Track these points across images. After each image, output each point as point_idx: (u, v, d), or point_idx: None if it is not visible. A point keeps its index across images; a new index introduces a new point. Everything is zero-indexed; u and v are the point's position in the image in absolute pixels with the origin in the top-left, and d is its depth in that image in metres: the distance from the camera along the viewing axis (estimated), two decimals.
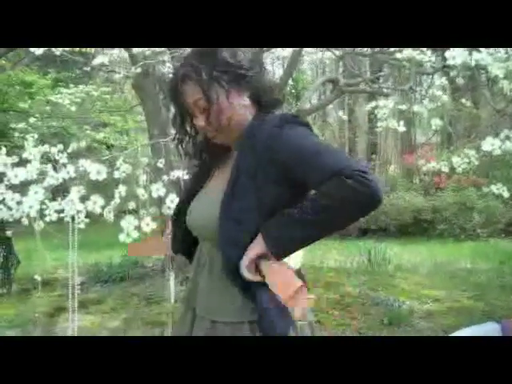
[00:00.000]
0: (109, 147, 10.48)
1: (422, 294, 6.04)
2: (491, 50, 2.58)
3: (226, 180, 1.47)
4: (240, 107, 1.50)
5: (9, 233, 5.80)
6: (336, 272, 6.74)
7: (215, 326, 1.45)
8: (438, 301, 5.80)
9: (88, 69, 8.42)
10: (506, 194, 3.32)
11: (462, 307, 5.48)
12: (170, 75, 6.90)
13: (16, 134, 8.01)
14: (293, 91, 14.27)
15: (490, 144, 2.87)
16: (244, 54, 1.50)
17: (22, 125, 7.82)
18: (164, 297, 5.97)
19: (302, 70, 15.21)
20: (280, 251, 1.36)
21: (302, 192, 1.43)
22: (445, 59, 3.42)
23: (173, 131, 1.66)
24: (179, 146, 1.65)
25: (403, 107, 4.35)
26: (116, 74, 8.04)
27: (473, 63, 2.55)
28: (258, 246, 1.37)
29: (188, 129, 1.60)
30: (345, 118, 8.72)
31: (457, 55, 2.54)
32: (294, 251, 1.39)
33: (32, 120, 7.64)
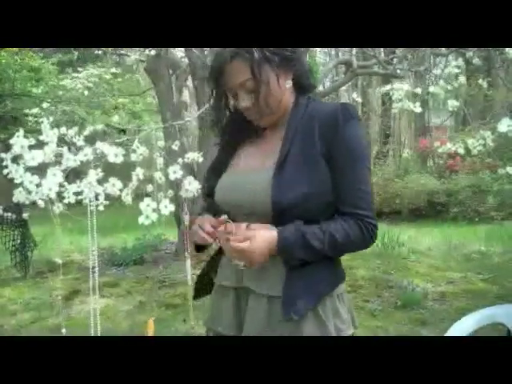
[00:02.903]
0: (123, 131, 10.49)
1: (436, 277, 6.04)
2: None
3: (271, 155, 1.49)
4: (286, 90, 1.49)
5: (25, 215, 5.85)
6: (349, 255, 6.65)
7: (272, 300, 1.44)
8: (452, 283, 5.79)
9: (100, 52, 8.43)
10: None
11: (476, 290, 5.47)
12: (183, 59, 6.90)
13: (30, 119, 8.03)
14: None
15: (507, 125, 2.84)
16: None
17: (35, 110, 7.84)
18: (178, 280, 6.02)
19: (314, 53, 15.10)
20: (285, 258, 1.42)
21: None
22: None
23: (186, 114, 1.66)
24: (216, 127, 1.63)
25: (418, 90, 4.30)
26: (129, 57, 8.03)
27: None
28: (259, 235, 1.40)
29: (224, 110, 1.58)
30: (358, 100, 8.63)
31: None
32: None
33: (45, 105, 7.65)
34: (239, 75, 1.43)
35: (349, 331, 1.50)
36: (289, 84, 1.49)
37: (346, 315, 1.50)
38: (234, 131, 1.64)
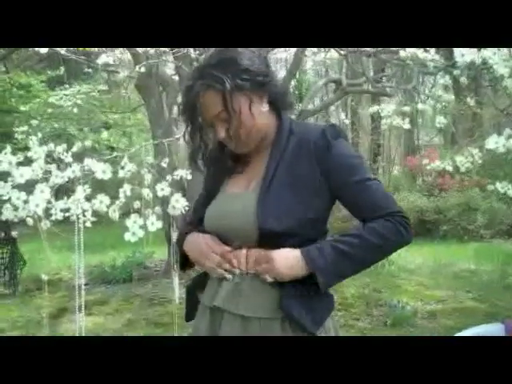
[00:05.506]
0: (113, 148, 10.45)
1: (426, 295, 6.03)
2: (496, 48, 2.56)
3: (254, 179, 1.50)
4: (261, 115, 1.48)
5: (14, 234, 5.81)
6: None
7: (247, 321, 1.43)
8: (442, 302, 5.78)
9: (90, 70, 8.42)
10: (511, 193, 3.27)
11: (466, 308, 5.47)
12: (174, 76, 6.91)
13: (19, 136, 7.97)
14: (296, 92, 14.26)
15: (494, 142, 2.84)
16: (259, 60, 1.46)
17: (24, 128, 7.78)
18: (167, 298, 5.97)
19: (305, 71, 15.19)
20: (329, 283, 1.39)
21: (328, 205, 1.48)
22: (448, 58, 3.40)
23: (176, 131, 1.65)
24: (192, 160, 1.61)
25: (407, 109, 4.32)
26: (119, 74, 8.04)
27: (479, 61, 2.53)
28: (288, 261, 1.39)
29: (200, 142, 1.54)
30: (347, 121, 8.69)
31: (466, 53, 2.52)
32: (336, 283, 1.41)
33: (34, 122, 7.60)
34: (213, 107, 1.42)
35: None
36: (265, 108, 1.48)
37: None
38: (218, 159, 1.61)
